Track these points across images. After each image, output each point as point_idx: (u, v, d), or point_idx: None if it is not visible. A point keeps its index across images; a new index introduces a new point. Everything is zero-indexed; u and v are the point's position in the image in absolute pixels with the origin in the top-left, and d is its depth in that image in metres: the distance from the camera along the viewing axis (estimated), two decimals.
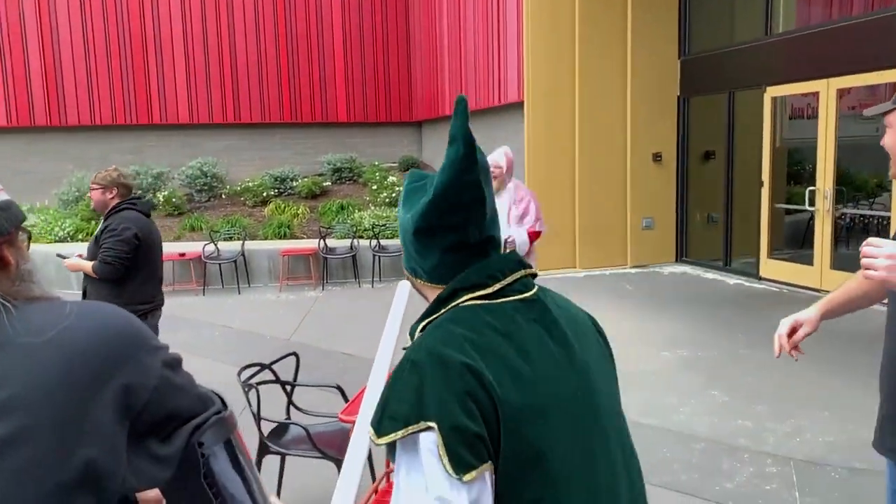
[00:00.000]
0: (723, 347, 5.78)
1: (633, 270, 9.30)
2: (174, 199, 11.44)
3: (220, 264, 9.03)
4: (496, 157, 5.08)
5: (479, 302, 1.15)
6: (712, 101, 9.13)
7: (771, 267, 8.23)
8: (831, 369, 5.03)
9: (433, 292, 1.21)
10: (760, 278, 8.30)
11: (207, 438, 0.94)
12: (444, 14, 12.19)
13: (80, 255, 4.09)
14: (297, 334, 6.78)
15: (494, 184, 5.03)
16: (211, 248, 9.18)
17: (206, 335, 6.89)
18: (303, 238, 10.21)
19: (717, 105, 9.03)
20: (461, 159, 1.14)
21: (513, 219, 5.02)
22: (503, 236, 4.76)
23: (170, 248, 9.51)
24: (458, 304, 1.16)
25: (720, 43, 9.06)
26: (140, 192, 11.75)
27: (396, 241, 9.39)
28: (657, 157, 9.50)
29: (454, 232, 1.17)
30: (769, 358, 5.16)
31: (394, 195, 11.11)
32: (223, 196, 12.26)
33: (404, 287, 3.28)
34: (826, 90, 7.27)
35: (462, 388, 1.03)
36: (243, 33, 12.99)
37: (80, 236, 10.33)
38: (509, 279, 1.18)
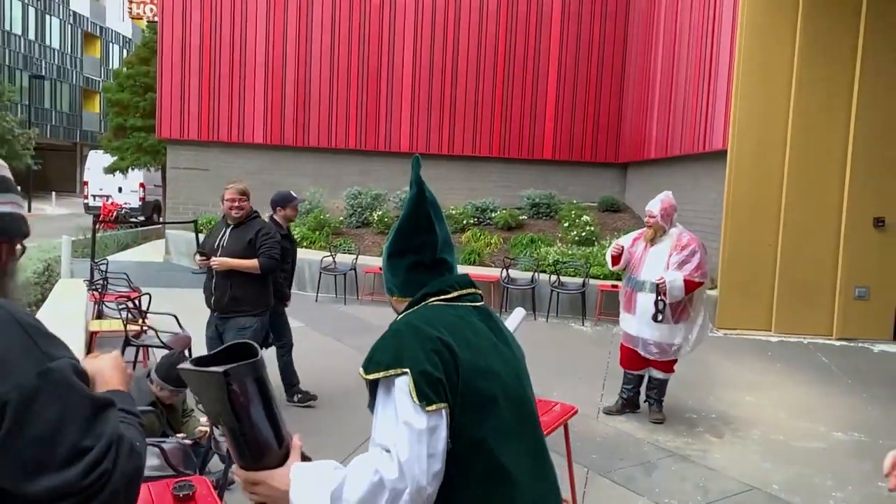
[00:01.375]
0: None
1: (837, 343, 8.42)
2: (385, 219, 12.61)
3: None
4: (650, 206, 5.13)
5: (442, 303, 1.55)
6: None
7: None
8: None
9: (403, 305, 1.61)
10: None
11: (233, 371, 1.28)
12: (658, 56, 12.10)
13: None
14: None
15: (649, 232, 5.06)
16: None
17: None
18: (491, 266, 10.70)
19: None
20: (414, 198, 1.60)
21: (671, 264, 4.98)
22: (657, 279, 4.80)
23: (374, 261, 10.57)
24: (426, 304, 1.56)
25: None
26: (360, 210, 13.15)
27: (577, 280, 9.50)
28: (879, 223, 8.54)
29: (414, 253, 1.59)
30: None
31: (584, 234, 11.20)
32: None
33: (518, 314, 3.59)
34: None
35: (430, 347, 1.40)
36: (465, 72, 13.99)
37: (304, 243, 11.82)
38: (464, 291, 1.59)
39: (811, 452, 4.78)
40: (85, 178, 23.04)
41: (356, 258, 10.26)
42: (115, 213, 19.46)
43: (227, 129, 14.14)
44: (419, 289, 1.57)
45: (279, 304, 5.38)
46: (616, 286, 9.05)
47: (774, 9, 8.62)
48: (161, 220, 18.58)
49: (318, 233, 12.25)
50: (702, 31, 10.11)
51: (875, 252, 8.60)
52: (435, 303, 1.54)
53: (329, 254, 10.34)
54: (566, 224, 12.17)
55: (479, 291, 1.64)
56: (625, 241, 5.43)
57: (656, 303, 4.96)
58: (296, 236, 12.28)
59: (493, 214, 12.92)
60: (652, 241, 5.13)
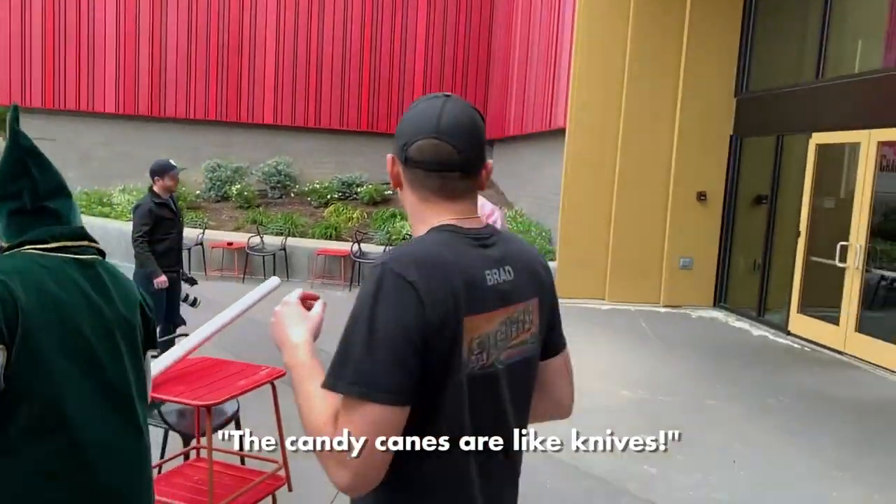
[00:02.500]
0: (693, 395, 5.57)
1: (663, 310, 9.02)
2: (245, 193, 12.29)
3: (263, 256, 9.65)
4: None
5: (37, 251, 1.57)
6: (767, 143, 8.72)
7: (800, 322, 7.74)
8: (798, 435, 4.78)
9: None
10: (788, 333, 7.82)
11: None
12: (517, 32, 12.37)
13: None
14: None
15: None
16: (256, 240, 9.83)
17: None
18: (348, 241, 10.68)
19: (771, 147, 8.62)
20: (8, 145, 1.62)
21: None
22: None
23: (222, 236, 10.29)
24: (19, 250, 1.58)
25: (781, 83, 8.65)
26: (219, 183, 12.75)
27: None
28: (701, 197, 9.17)
29: (12, 200, 1.61)
30: (735, 413, 5.00)
31: None
32: (292, 195, 13.02)
33: (270, 283, 3.59)
34: (868, 141, 6.80)
35: None
36: (331, 44, 13.76)
37: None
38: (69, 244, 1.61)
39: (593, 410, 5.10)
40: None
41: (202, 233, 9.95)
42: None
43: (76, 96, 13.28)
44: (20, 235, 1.59)
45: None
46: None
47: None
48: None
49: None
50: (550, 12, 10.41)
51: (699, 224, 9.23)
52: (29, 250, 1.57)
53: None
54: None
55: (95, 245, 1.67)
56: None
57: None
58: None
59: (359, 189, 12.89)
60: None
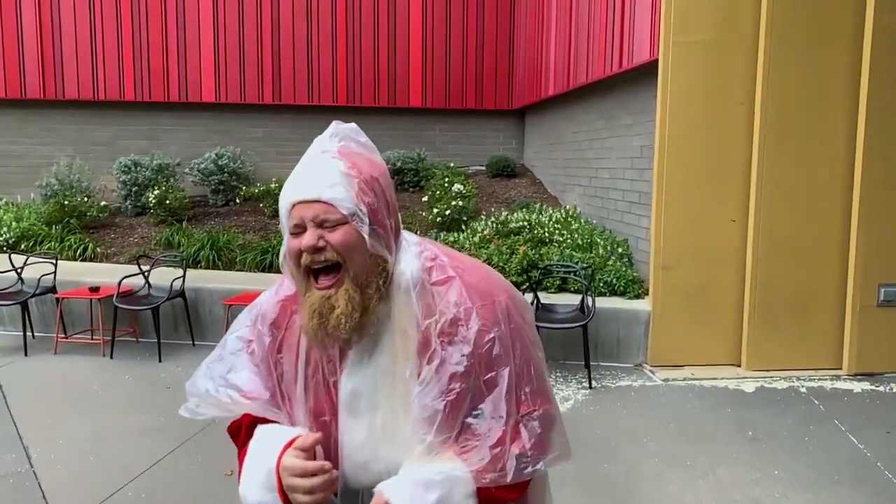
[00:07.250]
0: None
1: (849, 385, 4.88)
2: (167, 202, 8.41)
3: (150, 309, 5.68)
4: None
5: None
6: None
7: None
8: None
9: None
10: None
11: None
12: None
13: None
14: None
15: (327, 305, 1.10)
16: (138, 280, 5.90)
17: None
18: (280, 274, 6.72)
19: None
20: None
21: (427, 422, 1.14)
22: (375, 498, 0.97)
23: (102, 273, 6.36)
24: None
25: None
26: (136, 188, 8.91)
27: None
28: None
29: None
30: None
31: (448, 213, 7.31)
32: (237, 201, 9.13)
33: None
34: None
35: None
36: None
37: (21, 245, 7.54)
38: None
39: None
40: None
41: (54, 273, 6.02)
42: None
43: None
44: None
45: None
46: None
47: None
48: None
49: (54, 228, 7.95)
50: None
51: None
52: None
53: (12, 267, 6.08)
54: (436, 195, 8.26)
55: None
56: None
57: None
58: (7, 235, 7.93)
59: None
60: (358, 331, 1.17)
